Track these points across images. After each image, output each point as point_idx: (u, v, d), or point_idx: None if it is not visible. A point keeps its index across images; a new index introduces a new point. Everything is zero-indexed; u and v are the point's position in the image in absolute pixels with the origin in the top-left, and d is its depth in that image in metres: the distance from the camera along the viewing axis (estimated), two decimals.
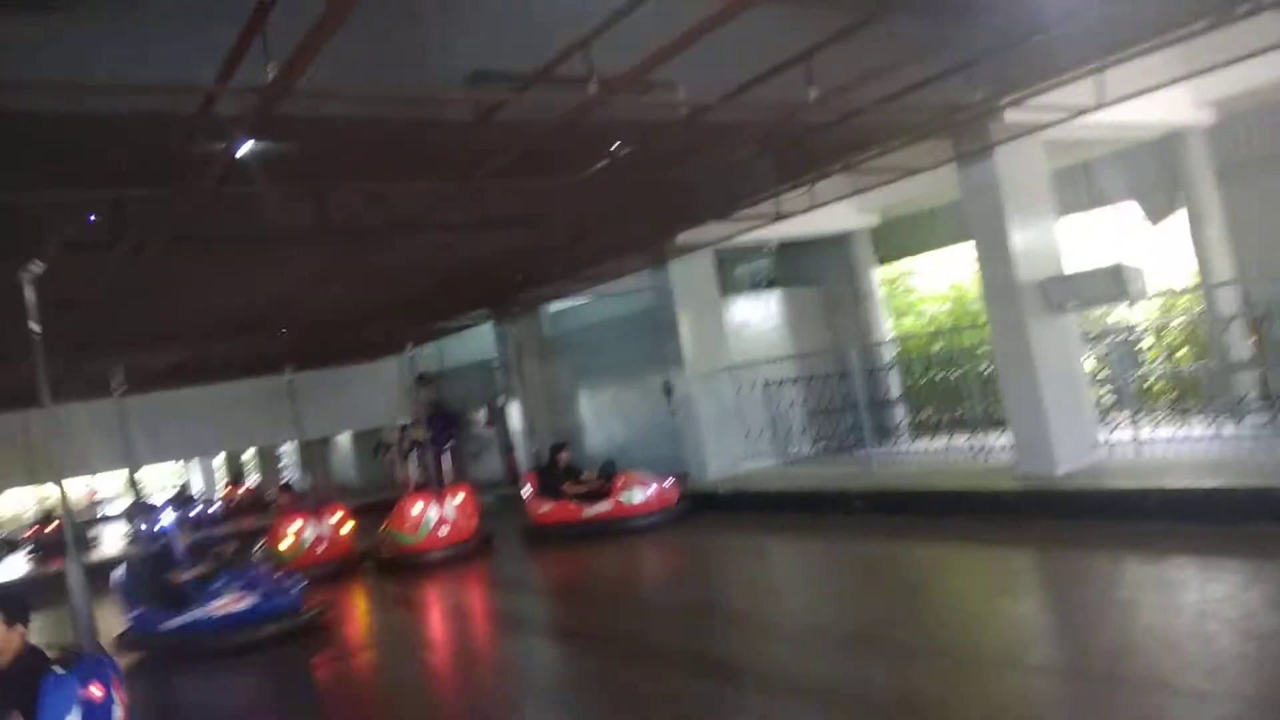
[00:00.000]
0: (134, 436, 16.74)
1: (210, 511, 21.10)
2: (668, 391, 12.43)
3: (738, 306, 13.03)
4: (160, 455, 20.93)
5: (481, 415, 18.37)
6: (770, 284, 14.52)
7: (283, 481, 14.12)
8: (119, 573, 8.40)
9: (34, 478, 16.97)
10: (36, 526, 21.57)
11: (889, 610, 6.05)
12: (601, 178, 7.20)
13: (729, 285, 13.48)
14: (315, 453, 23.34)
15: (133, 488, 23.65)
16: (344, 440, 22.91)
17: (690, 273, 11.85)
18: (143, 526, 18.14)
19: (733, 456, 11.79)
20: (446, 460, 18.26)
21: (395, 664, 6.98)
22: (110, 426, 16.62)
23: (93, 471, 21.47)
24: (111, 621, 8.37)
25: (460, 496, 11.12)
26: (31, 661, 3.40)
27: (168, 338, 11.35)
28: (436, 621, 8.65)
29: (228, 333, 11.49)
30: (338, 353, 17.05)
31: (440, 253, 9.18)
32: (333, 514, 11.55)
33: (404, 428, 19.76)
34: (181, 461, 28.94)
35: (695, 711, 4.75)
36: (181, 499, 22.14)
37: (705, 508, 10.69)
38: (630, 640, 6.43)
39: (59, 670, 3.33)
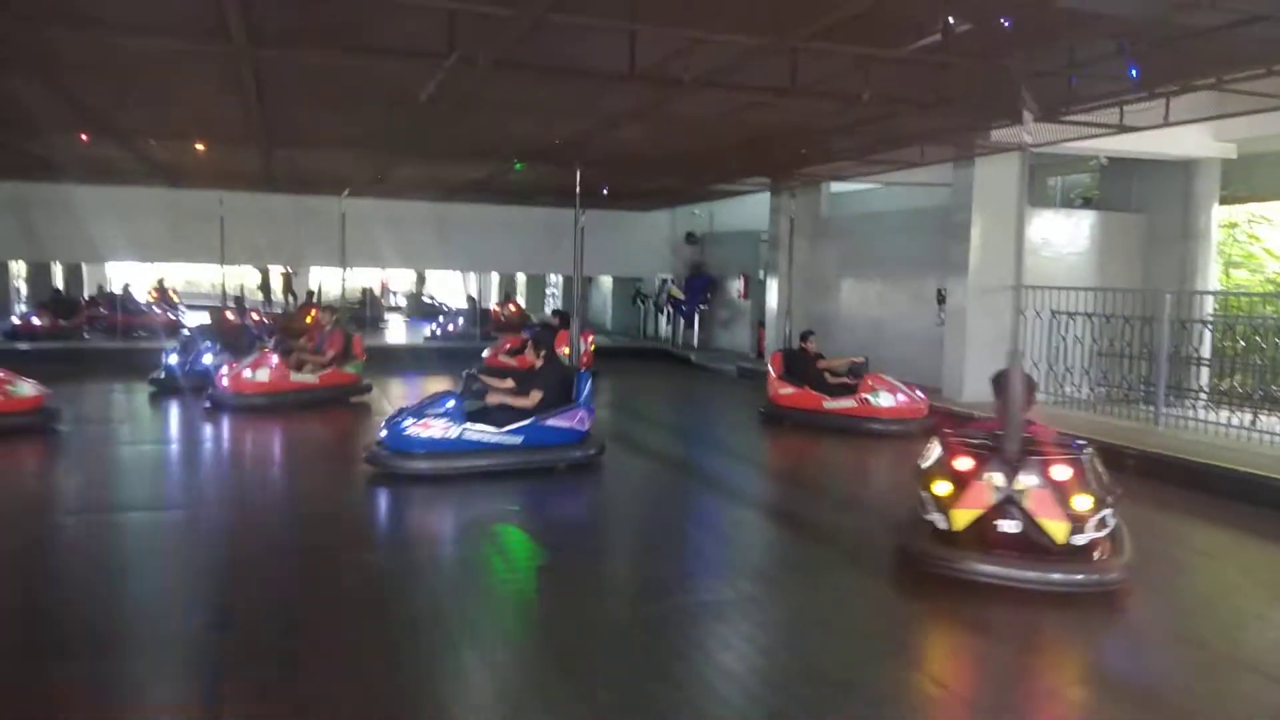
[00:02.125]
0: (431, 240, 18.32)
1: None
2: (941, 299, 11.72)
3: (1042, 221, 11.86)
4: (449, 263, 22.69)
5: (739, 285, 18.35)
6: (1086, 203, 13.08)
7: (556, 308, 17.18)
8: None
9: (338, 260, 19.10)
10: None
11: (1144, 584, 5.50)
12: (927, 55, 6.61)
13: (1037, 197, 12.28)
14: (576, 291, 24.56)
15: (419, 286, 26.05)
16: (605, 283, 23.80)
17: (997, 175, 10.86)
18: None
19: None
20: (696, 321, 18.68)
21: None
22: (410, 226, 18.30)
23: (385, 265, 23.68)
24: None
25: (590, 339, 14.14)
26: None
27: (475, 154, 12.03)
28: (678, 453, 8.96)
29: (527, 158, 12.02)
30: (617, 197, 17.45)
31: (739, 113, 8.94)
32: (586, 338, 13.96)
33: (664, 282, 20.25)
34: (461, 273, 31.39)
35: (904, 630, 4.61)
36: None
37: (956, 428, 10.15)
38: (843, 539, 6.31)
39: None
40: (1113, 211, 12.44)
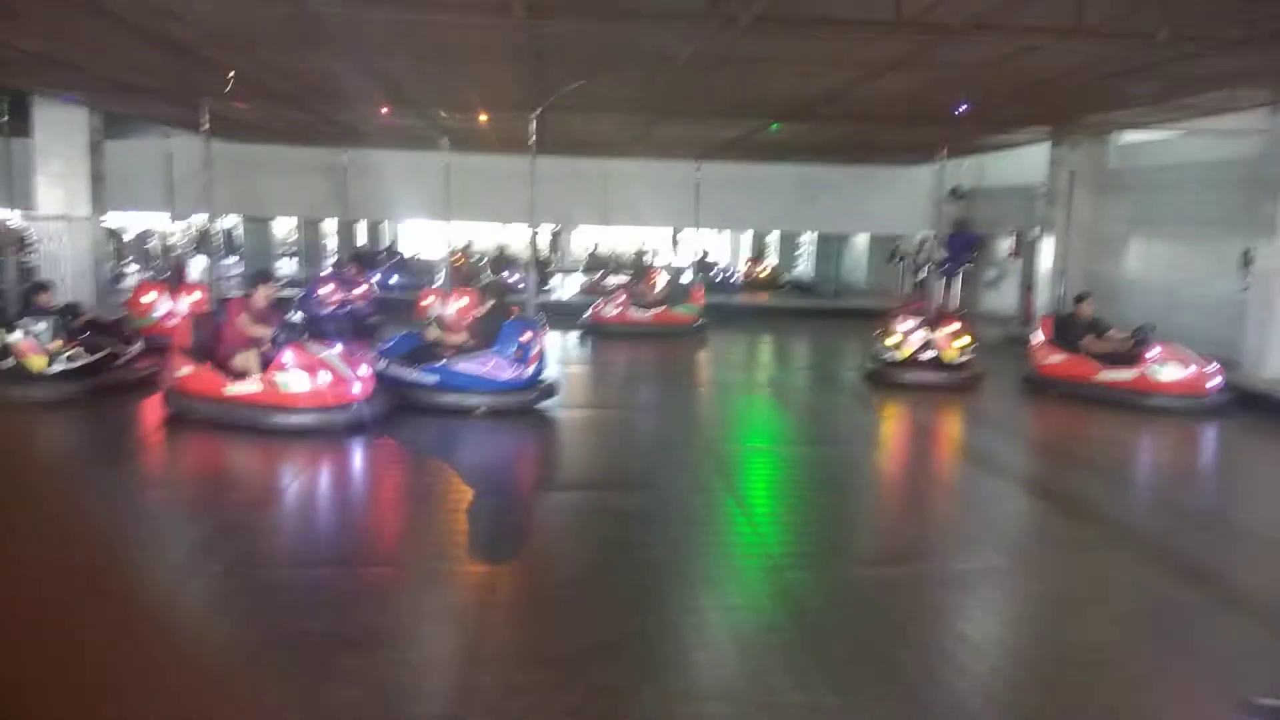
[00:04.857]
0: (687, 199, 18.68)
1: (733, 280, 23.12)
2: (1246, 262, 10.39)
3: None
4: (707, 221, 22.86)
5: (1008, 243, 17.19)
6: None
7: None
8: None
9: (604, 218, 19.96)
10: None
11: None
12: None
13: None
14: (832, 248, 24.03)
15: (675, 244, 26.67)
16: (860, 241, 23.15)
17: None
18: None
19: None
20: (958, 283, 17.74)
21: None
22: (663, 185, 18.74)
23: (643, 224, 24.34)
24: None
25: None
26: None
27: (732, 113, 12.11)
28: (908, 435, 8.74)
29: (788, 115, 11.94)
30: (877, 151, 16.88)
31: (1016, 57, 8.34)
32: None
33: (924, 240, 19.37)
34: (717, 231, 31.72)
35: (1168, 616, 4.28)
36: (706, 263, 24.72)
37: (1251, 408, 9.06)
38: (1109, 519, 5.88)
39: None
40: None
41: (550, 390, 8.53)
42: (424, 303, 13.39)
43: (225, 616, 3.88)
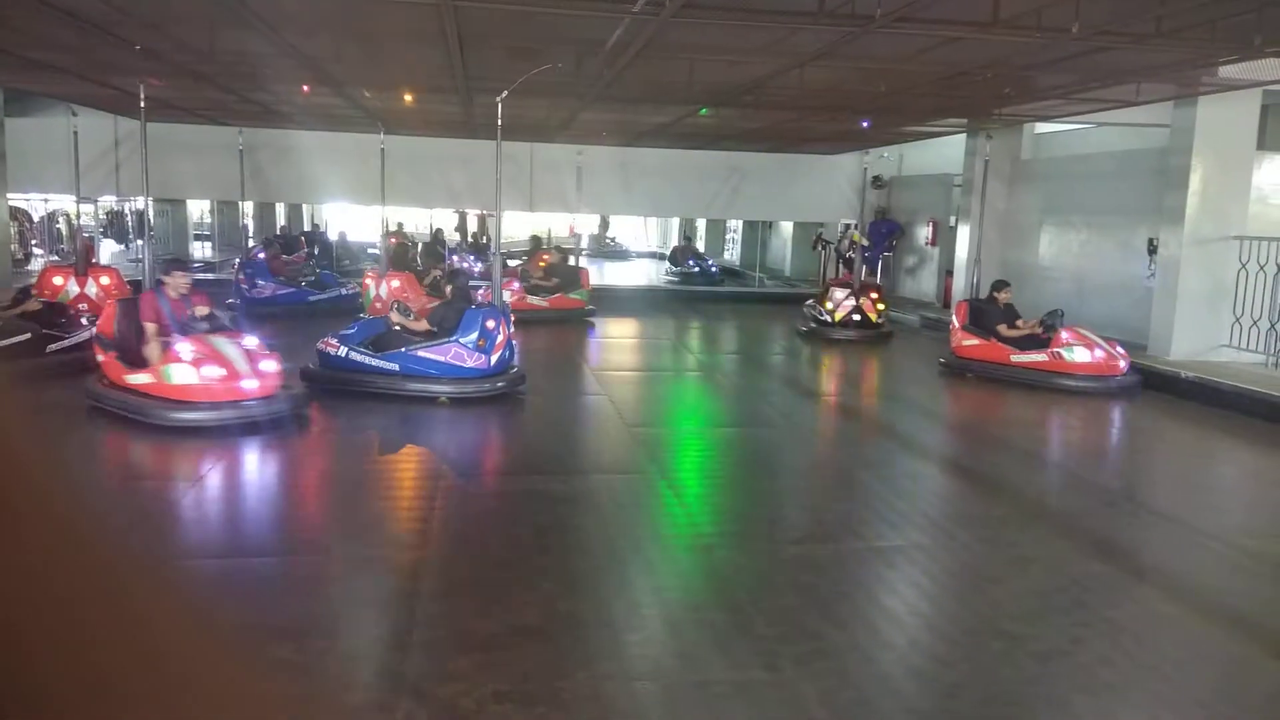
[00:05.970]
0: (614, 185, 18.64)
1: (713, 270, 22.64)
2: (1151, 250, 10.86)
3: (1275, 166, 10.72)
4: (637, 208, 22.70)
5: (927, 231, 17.64)
6: None
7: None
8: None
9: (531, 203, 19.75)
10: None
11: None
12: None
13: (1271, 139, 11.08)
14: (756, 235, 24.29)
15: (603, 229, 26.62)
16: (785, 228, 23.43)
17: (1223, 116, 9.88)
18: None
19: (1209, 341, 10.18)
20: (879, 268, 18.13)
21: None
22: (592, 171, 18.65)
23: (570, 210, 24.27)
24: None
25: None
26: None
27: (662, 99, 12.11)
28: (835, 421, 8.93)
29: (715, 101, 11.99)
30: (803, 140, 17.09)
31: (938, 50, 8.54)
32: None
33: (846, 227, 19.72)
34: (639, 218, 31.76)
35: (1080, 589, 4.45)
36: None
37: (1156, 389, 9.50)
38: (1023, 497, 6.12)
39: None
40: None
41: (519, 378, 8.45)
42: (365, 281, 13.32)
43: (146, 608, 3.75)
